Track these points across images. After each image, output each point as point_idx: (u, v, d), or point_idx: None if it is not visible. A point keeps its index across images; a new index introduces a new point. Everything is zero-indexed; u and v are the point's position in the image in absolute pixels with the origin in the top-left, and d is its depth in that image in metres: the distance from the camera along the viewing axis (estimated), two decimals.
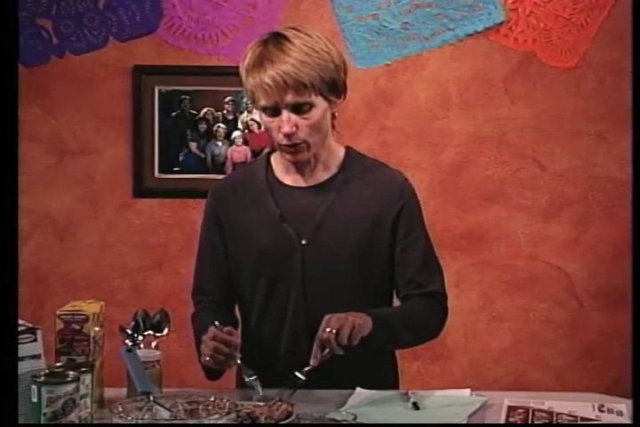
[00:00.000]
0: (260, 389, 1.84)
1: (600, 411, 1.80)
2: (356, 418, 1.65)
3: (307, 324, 1.97)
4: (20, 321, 1.70)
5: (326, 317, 1.84)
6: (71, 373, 1.62)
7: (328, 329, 1.80)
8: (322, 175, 2.06)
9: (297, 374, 1.82)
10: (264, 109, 1.96)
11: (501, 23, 3.30)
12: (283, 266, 2.02)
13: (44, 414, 1.56)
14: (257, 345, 2.02)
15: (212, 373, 1.96)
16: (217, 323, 1.87)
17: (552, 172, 3.38)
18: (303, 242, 2.01)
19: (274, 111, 1.94)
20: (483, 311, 3.42)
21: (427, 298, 2.05)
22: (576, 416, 1.77)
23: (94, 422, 1.71)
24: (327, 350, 1.80)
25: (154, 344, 1.96)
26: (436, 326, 2.09)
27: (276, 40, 1.93)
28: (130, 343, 1.92)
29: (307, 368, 1.81)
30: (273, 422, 1.66)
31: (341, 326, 1.80)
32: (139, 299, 3.33)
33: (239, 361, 1.86)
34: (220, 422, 1.57)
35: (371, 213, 2.03)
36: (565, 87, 3.34)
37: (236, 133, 3.40)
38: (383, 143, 3.36)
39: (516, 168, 3.38)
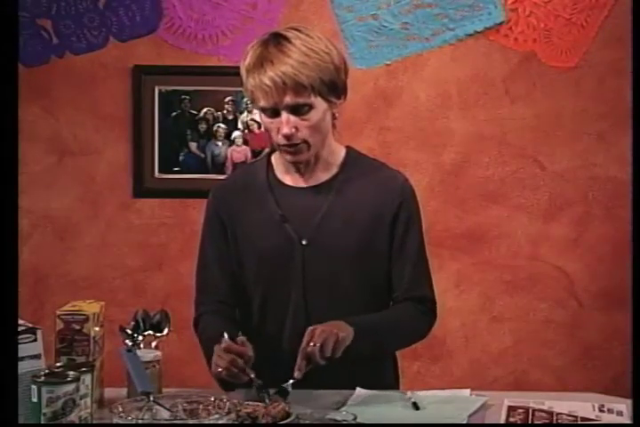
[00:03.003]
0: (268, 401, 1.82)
1: (600, 411, 1.80)
2: (355, 418, 1.65)
3: (307, 324, 1.96)
4: (20, 321, 1.70)
5: (309, 329, 1.84)
6: (71, 373, 1.62)
7: (312, 343, 1.80)
8: (322, 175, 2.06)
9: (284, 386, 1.82)
10: (263, 110, 1.96)
11: (501, 23, 3.30)
12: (283, 266, 2.02)
13: (44, 414, 1.56)
14: (258, 345, 2.02)
15: (227, 384, 1.93)
16: (226, 336, 1.85)
17: (552, 172, 3.38)
18: (304, 242, 2.01)
19: (273, 112, 1.94)
20: (483, 311, 3.42)
21: (414, 302, 2.05)
22: (576, 416, 1.77)
23: (94, 422, 1.71)
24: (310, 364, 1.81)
25: (154, 344, 1.96)
26: (420, 331, 2.09)
27: (277, 41, 1.93)
28: (130, 343, 1.92)
29: (292, 381, 1.81)
30: (271, 421, 1.66)
31: (325, 339, 1.80)
32: (139, 299, 3.33)
33: (252, 375, 1.83)
34: (220, 422, 1.57)
35: (371, 213, 2.03)
36: (565, 87, 3.34)
37: (235, 133, 3.40)
38: (383, 143, 3.36)
39: (516, 168, 3.38)
